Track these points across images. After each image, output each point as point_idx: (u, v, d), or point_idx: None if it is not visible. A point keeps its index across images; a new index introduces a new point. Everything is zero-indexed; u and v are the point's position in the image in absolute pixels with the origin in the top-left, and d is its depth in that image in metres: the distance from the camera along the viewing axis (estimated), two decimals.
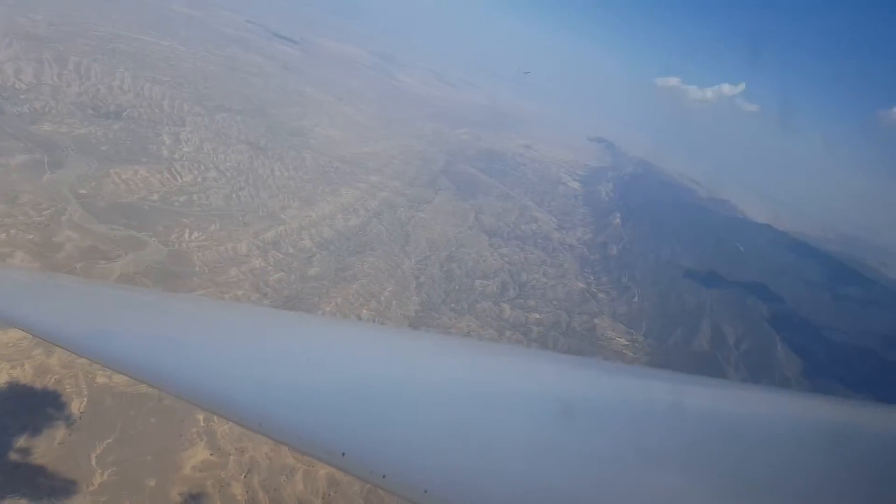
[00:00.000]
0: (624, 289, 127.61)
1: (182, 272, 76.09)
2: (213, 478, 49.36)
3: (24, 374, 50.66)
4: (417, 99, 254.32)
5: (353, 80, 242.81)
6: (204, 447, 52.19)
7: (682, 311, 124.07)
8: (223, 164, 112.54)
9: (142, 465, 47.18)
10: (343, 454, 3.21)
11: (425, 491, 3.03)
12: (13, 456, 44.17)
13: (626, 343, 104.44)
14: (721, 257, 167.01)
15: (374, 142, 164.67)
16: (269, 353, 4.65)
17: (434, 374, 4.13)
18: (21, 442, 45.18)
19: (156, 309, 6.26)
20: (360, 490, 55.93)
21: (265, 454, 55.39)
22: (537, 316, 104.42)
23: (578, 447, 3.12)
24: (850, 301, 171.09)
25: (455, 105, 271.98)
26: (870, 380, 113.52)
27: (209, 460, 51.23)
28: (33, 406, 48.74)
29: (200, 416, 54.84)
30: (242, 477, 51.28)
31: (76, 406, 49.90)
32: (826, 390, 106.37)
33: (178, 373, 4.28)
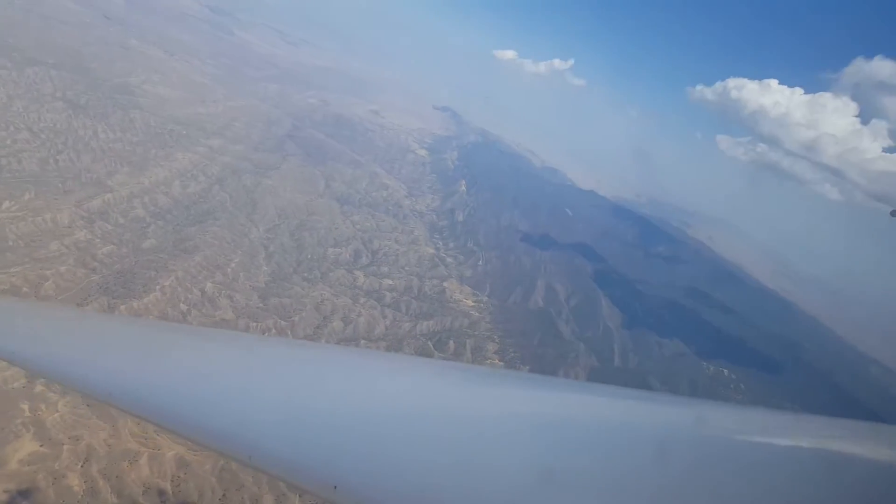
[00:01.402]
0: (470, 253, 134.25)
1: None
2: (45, 470, 45.53)
3: None
4: (259, 58, 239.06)
5: (184, 35, 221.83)
6: (31, 438, 47.78)
7: (521, 272, 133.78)
8: (36, 124, 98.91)
9: None
10: (335, 488, 3.17)
11: None
12: None
13: (473, 304, 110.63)
14: (553, 221, 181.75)
15: (213, 102, 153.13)
16: (259, 383, 4.57)
17: (426, 402, 4.09)
18: None
19: (143, 337, 6.19)
20: (211, 469, 54.62)
21: (103, 440, 51.90)
22: (390, 282, 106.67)
23: (580, 475, 3.10)
24: (658, 258, 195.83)
25: (300, 66, 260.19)
26: (676, 327, 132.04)
27: (39, 452, 47.02)
28: None
29: (25, 406, 49.88)
30: (79, 467, 47.81)
31: None
32: (641, 339, 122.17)
33: (164, 404, 4.24)
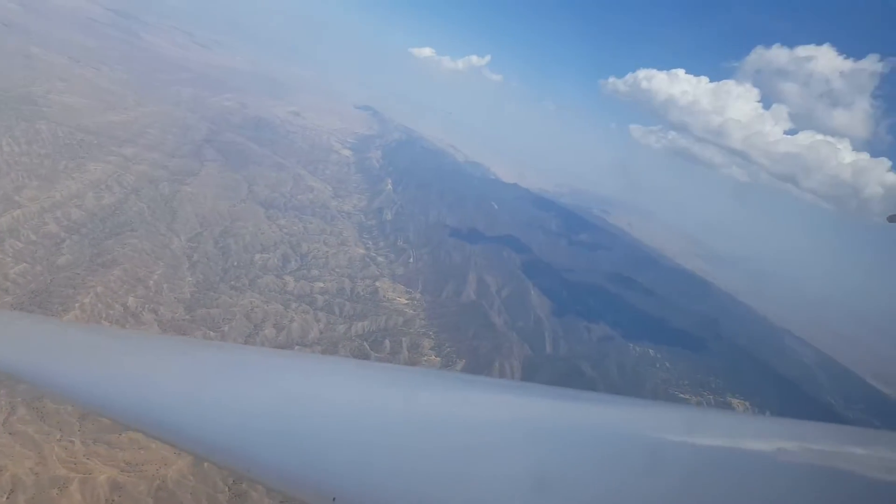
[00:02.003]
0: (400, 251, 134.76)
1: None
2: None
3: None
4: (169, 61, 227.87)
5: (90, 40, 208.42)
6: None
7: (452, 266, 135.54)
8: None
9: None
10: (333, 499, 3.17)
11: None
12: None
13: (406, 302, 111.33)
14: (480, 215, 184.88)
15: (124, 109, 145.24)
16: (256, 394, 4.53)
17: (423, 411, 4.11)
18: None
19: (139, 351, 6.15)
20: (147, 489, 52.95)
21: (29, 469, 49.33)
22: (321, 285, 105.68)
23: (575, 483, 3.14)
24: (582, 246, 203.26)
25: (213, 68, 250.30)
26: (602, 312, 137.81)
27: None
28: None
29: None
30: (4, 499, 45.24)
31: None
32: (570, 325, 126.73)
33: (161, 416, 4.24)
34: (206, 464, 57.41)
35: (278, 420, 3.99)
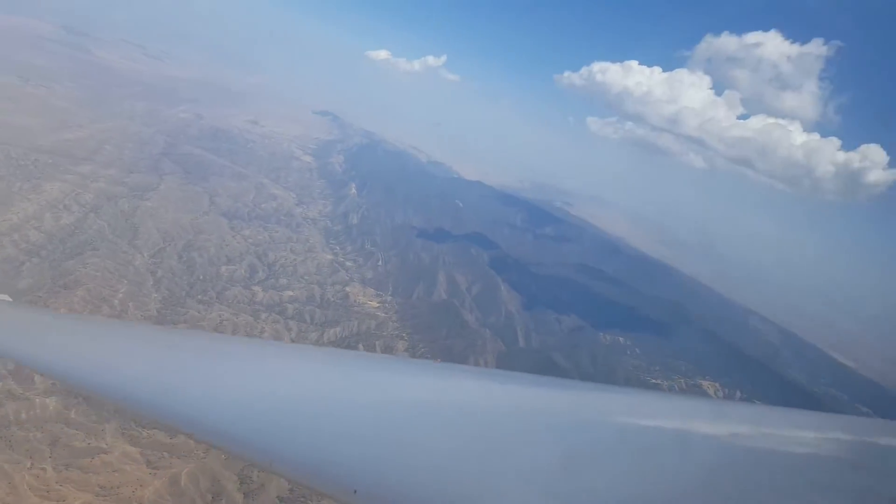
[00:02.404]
0: (369, 255, 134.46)
1: None
2: None
3: None
4: (122, 76, 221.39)
5: (39, 58, 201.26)
6: None
7: (421, 267, 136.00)
8: None
9: None
10: (355, 491, 3.17)
11: None
12: None
13: (378, 305, 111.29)
14: (445, 214, 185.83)
15: (78, 127, 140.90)
16: (279, 389, 4.59)
17: (442, 404, 4.09)
18: None
19: (159, 344, 6.24)
20: None
21: (0, 500, 47.91)
22: (291, 293, 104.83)
23: (600, 474, 3.13)
24: (547, 239, 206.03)
25: (166, 81, 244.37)
26: (571, 303, 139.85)
27: None
28: None
29: None
30: None
31: None
32: (540, 318, 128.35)
33: (186, 411, 4.30)
34: (183, 482, 56.74)
35: (299, 414, 4.04)
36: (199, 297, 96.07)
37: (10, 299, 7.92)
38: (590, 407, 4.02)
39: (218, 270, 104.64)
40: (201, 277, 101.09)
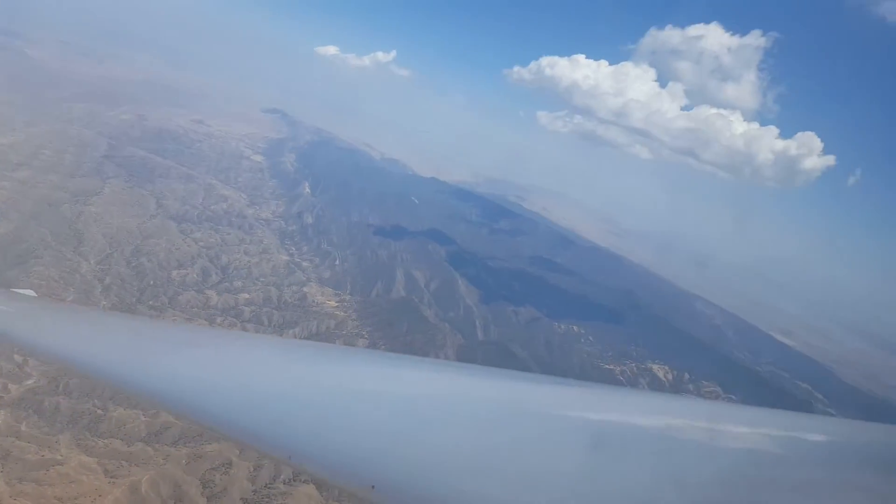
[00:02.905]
0: (325, 254, 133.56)
1: None
2: None
3: None
4: (59, 77, 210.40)
5: None
6: None
7: (379, 265, 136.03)
8: None
9: None
10: (373, 487, 3.19)
11: None
12: None
13: (336, 304, 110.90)
14: (401, 211, 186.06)
15: (13, 131, 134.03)
16: (297, 385, 4.67)
17: (456, 402, 4.13)
18: None
19: (180, 341, 6.35)
20: None
21: None
22: (247, 296, 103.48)
23: (612, 474, 3.13)
24: (502, 233, 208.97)
25: (106, 81, 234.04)
26: (527, 295, 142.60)
27: None
28: None
29: None
30: None
31: None
32: (498, 311, 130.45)
33: (205, 404, 4.43)
34: (143, 489, 55.78)
35: (318, 410, 4.17)
36: (151, 302, 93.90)
37: (35, 294, 8.26)
38: (603, 407, 4.05)
39: (169, 275, 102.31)
40: (152, 283, 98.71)
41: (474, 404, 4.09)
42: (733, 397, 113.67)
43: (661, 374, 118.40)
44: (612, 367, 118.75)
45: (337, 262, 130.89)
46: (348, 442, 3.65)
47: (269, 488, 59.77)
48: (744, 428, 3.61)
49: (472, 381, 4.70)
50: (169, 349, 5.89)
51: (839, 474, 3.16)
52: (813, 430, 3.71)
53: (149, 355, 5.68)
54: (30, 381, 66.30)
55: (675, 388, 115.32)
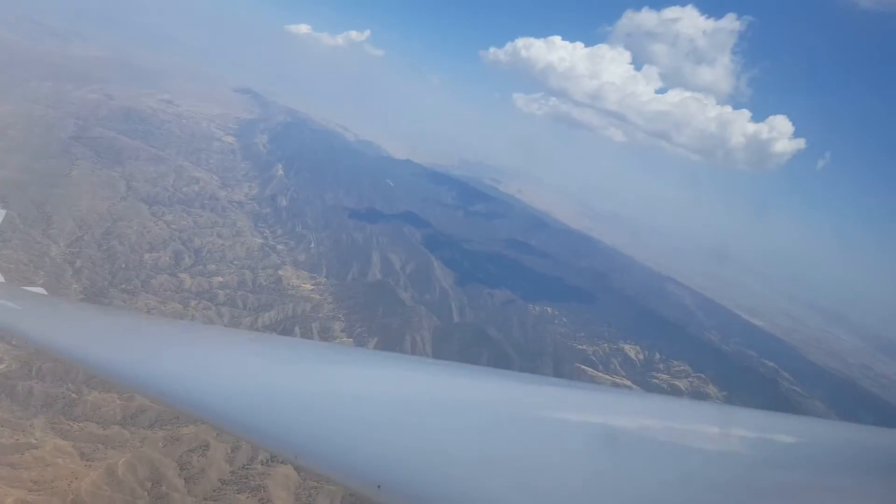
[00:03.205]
0: (300, 237, 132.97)
1: None
2: None
3: None
4: (24, 56, 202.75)
5: None
6: None
7: (354, 248, 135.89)
8: None
9: None
10: (378, 486, 3.20)
11: None
12: None
13: (312, 287, 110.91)
14: (376, 194, 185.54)
15: None
16: (302, 383, 4.76)
17: (464, 403, 4.16)
18: None
19: (182, 337, 6.51)
20: None
21: None
22: (221, 279, 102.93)
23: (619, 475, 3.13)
24: (477, 216, 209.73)
25: (72, 60, 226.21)
26: (502, 277, 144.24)
27: None
28: None
29: None
30: None
31: None
32: (473, 293, 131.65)
33: (214, 403, 4.44)
34: (120, 471, 55.84)
35: (323, 409, 4.21)
36: (123, 286, 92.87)
37: (45, 292, 8.58)
38: (607, 409, 4.10)
39: (141, 258, 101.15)
40: (124, 266, 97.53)
41: (480, 405, 4.13)
42: (702, 376, 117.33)
43: (632, 354, 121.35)
44: (584, 347, 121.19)
45: (312, 245, 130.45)
46: (354, 441, 3.70)
47: (246, 469, 60.32)
48: (748, 431, 3.67)
49: (476, 381, 4.79)
50: (178, 348, 6.04)
51: (844, 478, 3.19)
52: (814, 434, 3.75)
53: (159, 354, 5.77)
54: (1, 366, 65.52)
55: (647, 368, 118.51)
